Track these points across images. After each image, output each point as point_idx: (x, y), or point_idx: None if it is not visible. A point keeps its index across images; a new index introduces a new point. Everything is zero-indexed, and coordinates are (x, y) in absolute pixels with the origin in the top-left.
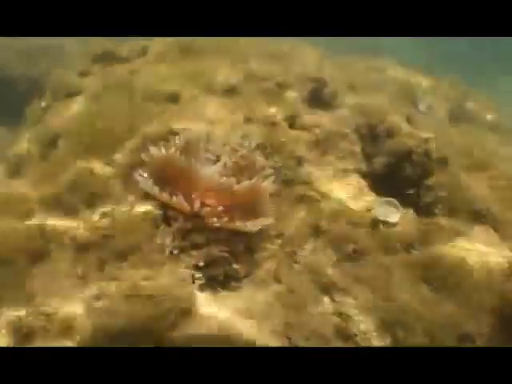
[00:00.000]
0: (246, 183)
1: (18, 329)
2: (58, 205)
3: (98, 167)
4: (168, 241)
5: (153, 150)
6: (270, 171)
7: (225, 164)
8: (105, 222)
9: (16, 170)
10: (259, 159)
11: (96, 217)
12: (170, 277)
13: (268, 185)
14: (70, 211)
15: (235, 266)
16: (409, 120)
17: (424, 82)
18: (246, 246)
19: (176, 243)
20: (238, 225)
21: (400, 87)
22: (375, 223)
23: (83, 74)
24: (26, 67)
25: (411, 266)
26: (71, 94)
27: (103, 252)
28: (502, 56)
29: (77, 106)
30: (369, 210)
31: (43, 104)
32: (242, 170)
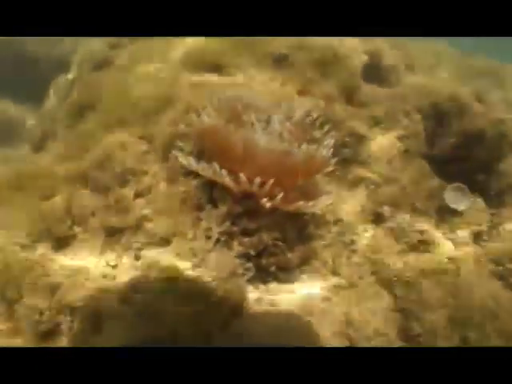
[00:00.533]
0: (304, 150)
1: None
2: (86, 182)
3: (132, 141)
4: (214, 226)
5: (194, 118)
6: (329, 142)
7: (279, 133)
8: (139, 202)
9: (41, 145)
10: (316, 131)
11: (130, 196)
12: (217, 267)
13: (328, 157)
14: (99, 189)
15: (289, 255)
16: (479, 98)
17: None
18: (300, 233)
19: (224, 228)
20: (300, 204)
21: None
22: (441, 210)
23: (113, 46)
24: (50, 46)
25: (481, 259)
26: (100, 66)
27: (138, 237)
28: None
29: (106, 77)
30: (432, 196)
31: (70, 76)
32: (297, 140)
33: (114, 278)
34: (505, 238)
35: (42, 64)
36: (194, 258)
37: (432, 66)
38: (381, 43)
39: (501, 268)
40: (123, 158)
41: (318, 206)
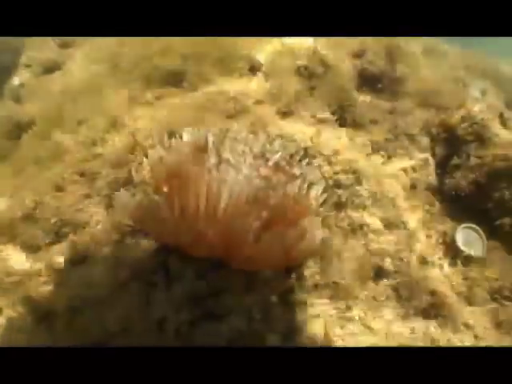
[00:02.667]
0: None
1: None
2: (14, 236)
3: (70, 180)
4: (170, 314)
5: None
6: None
7: (249, 176)
8: (73, 272)
9: None
10: (301, 172)
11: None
12: None
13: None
14: (27, 246)
15: (271, 337)
16: (503, 120)
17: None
18: (283, 301)
19: (184, 315)
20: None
21: (446, 70)
22: (454, 257)
23: (64, 45)
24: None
25: (504, 324)
26: (49, 71)
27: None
28: None
29: (50, 86)
30: (444, 244)
31: (16, 82)
32: (274, 188)
33: None
34: None
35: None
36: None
37: (432, 66)
38: (373, 44)
39: None
40: (58, 206)
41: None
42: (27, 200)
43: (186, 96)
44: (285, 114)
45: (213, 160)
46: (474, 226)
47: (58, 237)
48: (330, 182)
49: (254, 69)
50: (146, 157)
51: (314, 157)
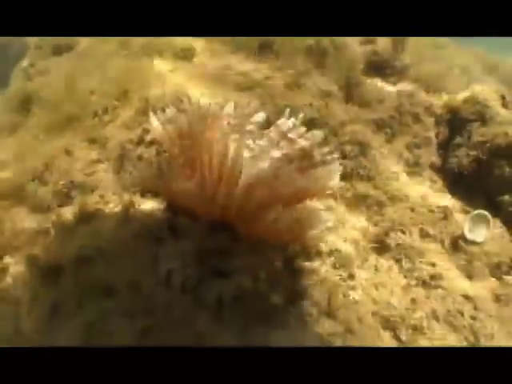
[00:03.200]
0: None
1: None
2: (22, 198)
3: (80, 146)
4: (176, 268)
5: (156, 119)
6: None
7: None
8: (82, 229)
9: None
10: (319, 150)
11: (70, 219)
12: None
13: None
14: (37, 207)
15: (275, 298)
16: (504, 102)
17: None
18: (287, 267)
19: (190, 270)
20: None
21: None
22: (456, 236)
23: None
24: None
25: (502, 298)
26: (60, 51)
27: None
28: None
29: (60, 64)
30: (445, 219)
31: (25, 63)
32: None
33: None
34: None
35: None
36: (149, 316)
37: (438, 56)
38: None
39: None
40: (68, 168)
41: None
42: (37, 163)
43: (196, 69)
44: (293, 87)
45: (231, 124)
46: (484, 212)
47: (67, 198)
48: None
49: (264, 47)
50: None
51: (321, 127)
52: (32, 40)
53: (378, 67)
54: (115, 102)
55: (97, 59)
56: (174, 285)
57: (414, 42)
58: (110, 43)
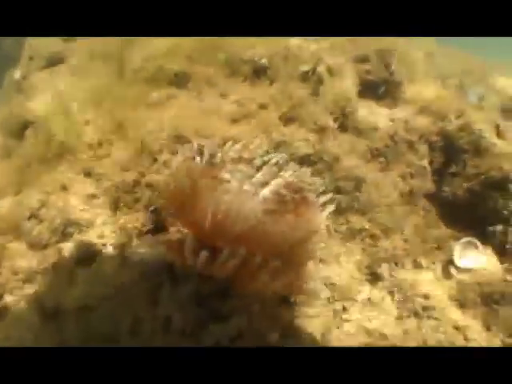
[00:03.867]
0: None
1: None
2: (20, 234)
3: (76, 179)
4: (176, 313)
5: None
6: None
7: (264, 197)
8: (82, 272)
9: None
10: (311, 189)
11: (68, 259)
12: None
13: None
14: (34, 245)
15: (271, 336)
16: (499, 131)
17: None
18: (283, 301)
19: (189, 315)
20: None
21: (442, 74)
22: (448, 268)
23: (68, 38)
24: None
25: (492, 329)
26: (52, 62)
27: (79, 329)
28: None
29: (55, 81)
30: (438, 248)
31: (17, 75)
32: (284, 204)
33: None
34: None
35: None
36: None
37: (431, 70)
38: (374, 47)
39: None
40: (64, 205)
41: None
42: (32, 199)
43: (191, 98)
44: (288, 119)
45: (226, 177)
46: (473, 239)
47: (63, 236)
48: (331, 188)
49: (258, 72)
50: (155, 160)
51: (316, 163)
52: (25, 50)
53: (373, 89)
54: (110, 136)
55: (90, 83)
56: (173, 330)
57: (404, 56)
58: (102, 63)
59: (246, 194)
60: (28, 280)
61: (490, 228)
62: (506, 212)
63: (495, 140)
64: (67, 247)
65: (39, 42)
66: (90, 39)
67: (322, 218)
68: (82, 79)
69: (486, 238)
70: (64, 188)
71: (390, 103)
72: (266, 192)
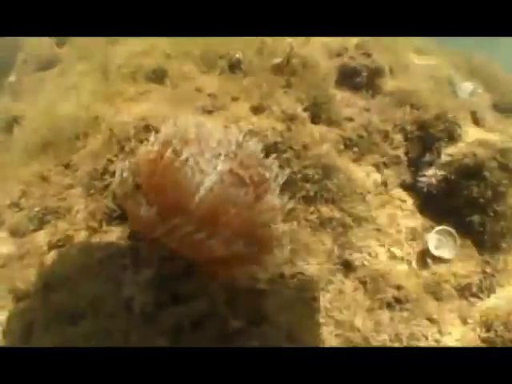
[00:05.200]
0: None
1: None
2: (1, 222)
3: (54, 172)
4: (137, 294)
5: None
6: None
7: (220, 174)
8: (52, 255)
9: None
10: (268, 168)
11: (43, 245)
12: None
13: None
14: (14, 232)
15: (235, 322)
16: (475, 119)
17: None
18: (250, 290)
19: (150, 296)
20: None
21: (431, 70)
22: (424, 258)
23: (62, 41)
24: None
25: (469, 322)
26: (45, 66)
27: (45, 307)
28: None
29: (43, 82)
30: (413, 239)
31: (11, 78)
32: (242, 184)
33: None
34: (499, 296)
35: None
36: (109, 339)
37: (412, 64)
38: (356, 41)
39: (492, 335)
40: (43, 194)
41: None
42: (14, 189)
43: (167, 92)
44: (258, 109)
45: (186, 156)
46: (448, 228)
47: (41, 223)
48: (299, 176)
49: (233, 67)
50: (122, 148)
51: (284, 151)
52: (20, 55)
53: (350, 79)
54: (86, 129)
55: (74, 82)
56: (134, 310)
57: (391, 47)
58: (87, 63)
59: (204, 174)
60: (4, 265)
61: (468, 218)
62: (482, 200)
63: (470, 127)
64: (43, 233)
65: (33, 46)
66: (80, 41)
67: (280, 202)
68: (67, 79)
69: (464, 229)
70: (44, 179)
71: (367, 95)
72: (222, 169)
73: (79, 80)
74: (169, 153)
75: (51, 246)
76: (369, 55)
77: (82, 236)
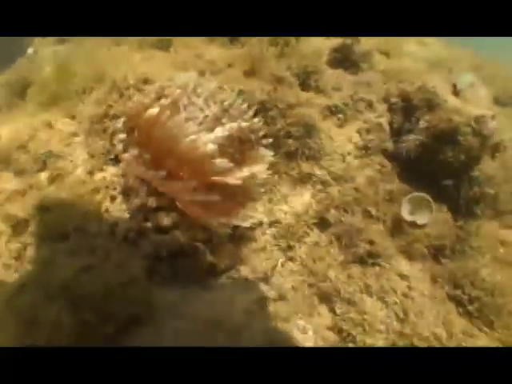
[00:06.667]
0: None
1: None
2: (7, 163)
3: (62, 121)
4: (122, 221)
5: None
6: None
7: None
8: (51, 189)
9: None
10: (255, 129)
11: (43, 181)
12: (119, 271)
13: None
14: (19, 172)
15: (210, 258)
16: (456, 92)
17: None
18: (228, 234)
19: (133, 224)
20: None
21: (431, 62)
22: (398, 221)
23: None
24: None
25: (438, 279)
26: (61, 40)
27: (39, 228)
28: None
29: (59, 52)
30: (390, 201)
31: (30, 50)
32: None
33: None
34: (469, 256)
35: None
36: (91, 256)
37: (411, 53)
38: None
39: (459, 292)
40: (48, 140)
41: (242, 220)
42: (23, 134)
43: (169, 57)
44: (250, 73)
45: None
46: (423, 194)
47: (44, 165)
48: (282, 133)
49: (232, 39)
50: (121, 95)
51: (270, 109)
52: None
53: (342, 60)
54: (93, 84)
55: (87, 49)
56: (117, 235)
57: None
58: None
59: (193, 125)
60: (8, 199)
61: (443, 183)
62: (456, 165)
63: (448, 97)
64: (45, 173)
65: None
66: None
67: (265, 159)
68: (80, 44)
69: (439, 193)
70: (50, 126)
71: (357, 70)
72: (219, 132)
73: (92, 49)
74: (163, 102)
75: (51, 181)
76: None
77: (79, 172)
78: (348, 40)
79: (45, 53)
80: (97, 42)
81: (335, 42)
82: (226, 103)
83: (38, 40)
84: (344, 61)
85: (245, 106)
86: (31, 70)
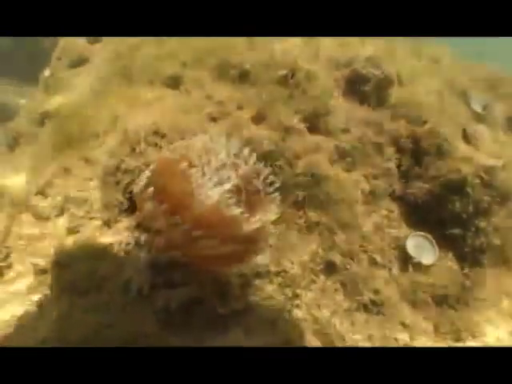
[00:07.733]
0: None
1: None
2: (29, 207)
3: (76, 165)
4: (135, 275)
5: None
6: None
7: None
8: (69, 239)
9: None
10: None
11: (61, 229)
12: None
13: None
14: (38, 216)
15: (220, 309)
16: (466, 136)
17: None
18: (236, 284)
19: (146, 278)
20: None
21: (447, 81)
22: (404, 265)
23: (94, 40)
24: None
25: (442, 331)
26: (77, 62)
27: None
28: None
29: (73, 80)
30: (396, 247)
31: (47, 73)
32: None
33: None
34: (473, 307)
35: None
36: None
37: (423, 74)
38: (367, 50)
39: (460, 344)
40: (65, 185)
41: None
42: (41, 179)
43: (179, 98)
44: (258, 119)
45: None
46: (425, 234)
47: (61, 210)
48: (290, 183)
49: (243, 76)
50: (133, 150)
51: (277, 159)
52: (56, 51)
53: (357, 87)
54: (106, 128)
55: (100, 83)
56: (131, 289)
57: (402, 56)
58: (114, 65)
59: (208, 183)
60: (29, 244)
61: (450, 231)
62: (464, 216)
63: (458, 143)
64: (63, 219)
65: (67, 44)
66: (110, 40)
67: (272, 208)
68: (94, 79)
69: (446, 241)
70: (67, 171)
71: (368, 108)
72: (227, 186)
73: (105, 82)
74: (183, 160)
75: (69, 231)
76: (378, 66)
77: (95, 224)
78: (361, 69)
79: (60, 77)
80: (111, 72)
81: (349, 70)
82: (232, 153)
83: (53, 62)
84: (355, 92)
85: (253, 156)
86: (48, 99)
